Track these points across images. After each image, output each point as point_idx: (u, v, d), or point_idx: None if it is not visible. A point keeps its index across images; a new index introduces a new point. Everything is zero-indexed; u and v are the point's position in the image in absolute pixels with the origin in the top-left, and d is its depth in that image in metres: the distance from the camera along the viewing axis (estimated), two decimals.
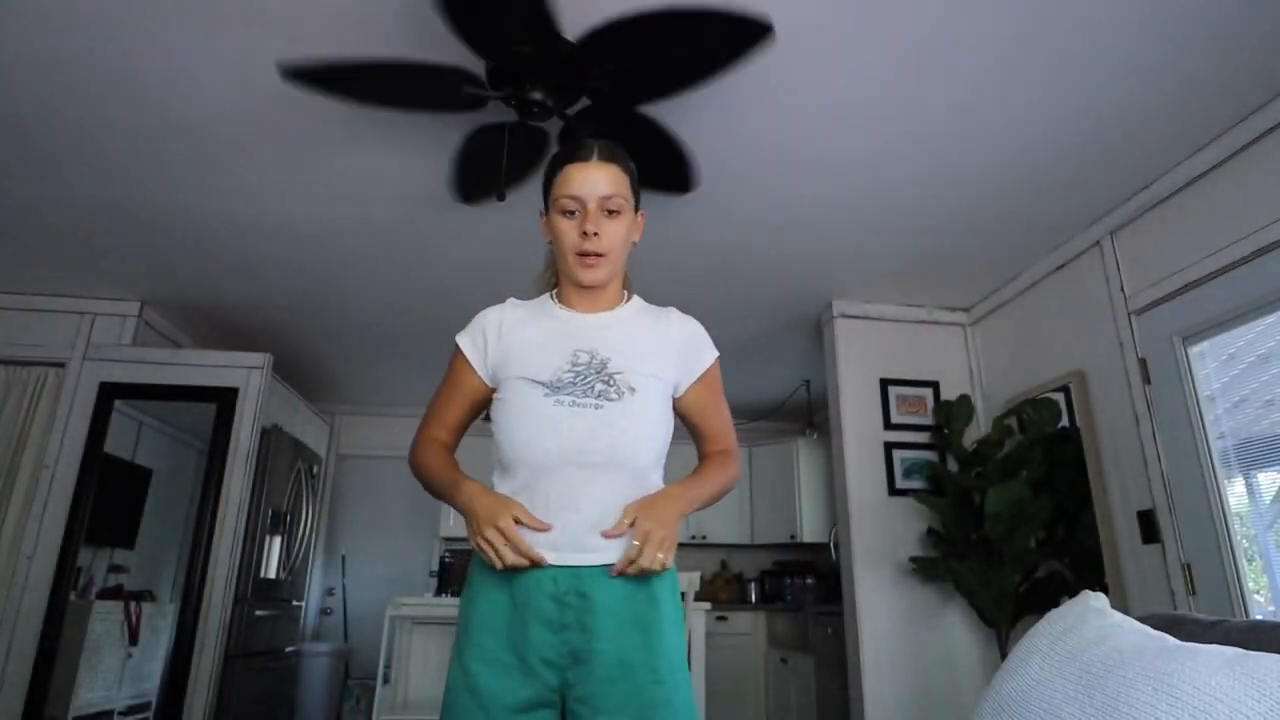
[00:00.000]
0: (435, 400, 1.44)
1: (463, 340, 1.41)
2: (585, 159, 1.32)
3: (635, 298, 1.48)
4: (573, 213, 1.33)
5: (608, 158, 1.34)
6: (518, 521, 1.21)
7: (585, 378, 1.29)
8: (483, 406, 1.43)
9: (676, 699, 1.19)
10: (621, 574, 1.20)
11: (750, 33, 2.01)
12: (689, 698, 1.22)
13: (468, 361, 1.39)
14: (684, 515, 1.29)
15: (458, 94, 2.15)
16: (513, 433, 1.29)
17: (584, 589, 1.20)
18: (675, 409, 1.43)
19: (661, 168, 2.59)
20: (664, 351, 1.39)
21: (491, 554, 1.18)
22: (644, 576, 1.23)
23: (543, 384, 1.29)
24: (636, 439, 1.28)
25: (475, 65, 2.13)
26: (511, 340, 1.37)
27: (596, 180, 1.31)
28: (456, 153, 2.58)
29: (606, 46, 2.05)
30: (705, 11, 1.95)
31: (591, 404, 1.27)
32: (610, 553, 1.22)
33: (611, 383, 1.29)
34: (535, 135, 2.43)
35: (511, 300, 1.45)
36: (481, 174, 2.66)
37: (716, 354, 1.46)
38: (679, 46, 2.08)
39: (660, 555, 1.19)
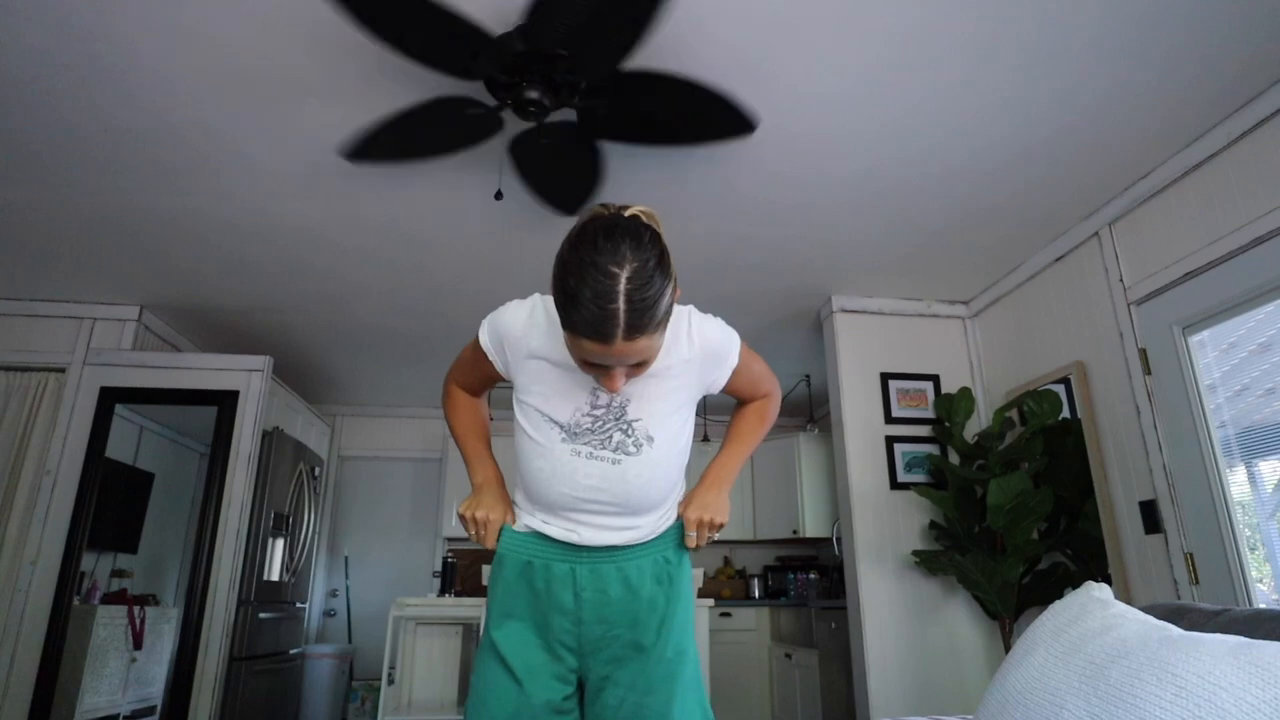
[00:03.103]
0: (460, 363, 1.47)
1: (484, 338, 1.34)
2: (608, 341, 1.06)
3: None
4: (593, 363, 1.16)
5: (637, 332, 1.07)
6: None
7: (604, 424, 1.27)
8: (499, 381, 1.46)
9: (684, 673, 1.29)
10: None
11: (736, 123, 2.26)
12: (696, 672, 1.32)
13: (486, 355, 1.35)
14: (729, 490, 1.44)
15: (467, 59, 2.12)
16: (531, 470, 1.33)
17: (603, 585, 1.28)
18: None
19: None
20: (686, 377, 1.32)
21: (471, 531, 1.34)
22: (667, 566, 1.34)
23: (560, 425, 1.27)
24: (651, 488, 1.31)
25: (473, 90, 2.14)
26: (530, 367, 1.30)
27: (624, 355, 1.10)
28: (397, 111, 2.40)
29: (631, 87, 2.15)
30: (713, 92, 2.18)
31: (609, 457, 1.26)
32: (630, 534, 1.32)
33: (630, 433, 1.27)
34: (491, 121, 2.37)
35: (535, 299, 1.31)
36: (393, 141, 2.49)
37: (738, 344, 1.36)
38: (675, 110, 2.26)
39: (709, 539, 1.38)
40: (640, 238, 1.08)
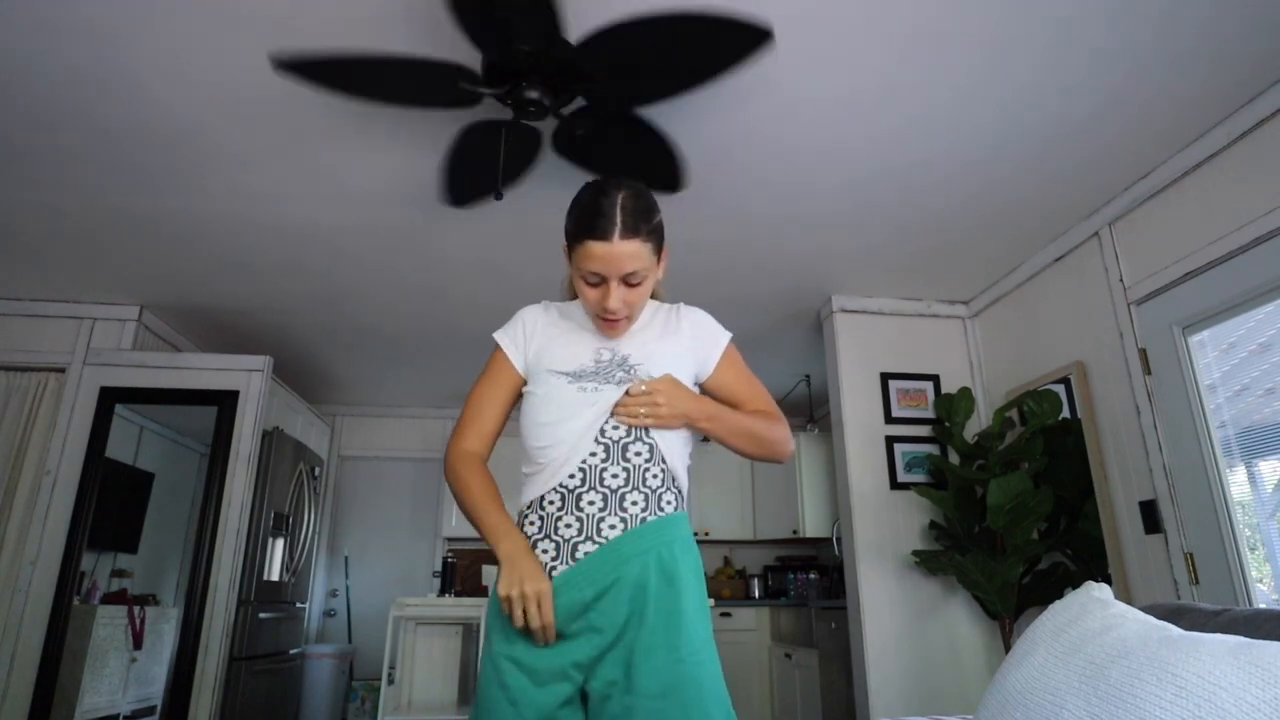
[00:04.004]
0: (474, 399, 1.45)
1: (502, 336, 1.47)
2: (607, 238, 1.28)
3: (649, 301, 1.51)
4: (594, 283, 1.33)
5: (630, 232, 1.29)
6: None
7: (608, 368, 1.38)
8: (516, 400, 1.48)
9: (702, 676, 1.23)
10: (624, 415, 1.33)
11: (750, 38, 2.05)
12: (715, 676, 1.26)
13: (506, 356, 1.45)
14: (699, 416, 1.37)
15: (453, 90, 2.15)
16: (538, 417, 1.36)
17: (605, 588, 1.25)
18: (705, 393, 1.48)
19: (652, 167, 2.60)
20: (678, 347, 1.45)
21: (518, 612, 1.22)
22: (671, 563, 1.28)
23: (567, 374, 1.38)
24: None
25: (471, 61, 2.12)
26: (544, 337, 1.44)
27: (619, 259, 1.29)
28: (446, 154, 2.58)
29: (607, 49, 2.07)
30: (707, 16, 1.98)
31: (613, 386, 1.35)
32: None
33: (632, 373, 1.37)
34: (528, 134, 2.43)
35: (546, 302, 1.52)
36: (472, 175, 2.64)
37: (729, 335, 1.51)
38: (679, 51, 2.11)
39: (643, 411, 1.32)
40: (633, 182, 1.36)
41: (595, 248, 1.28)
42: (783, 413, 1.51)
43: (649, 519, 1.30)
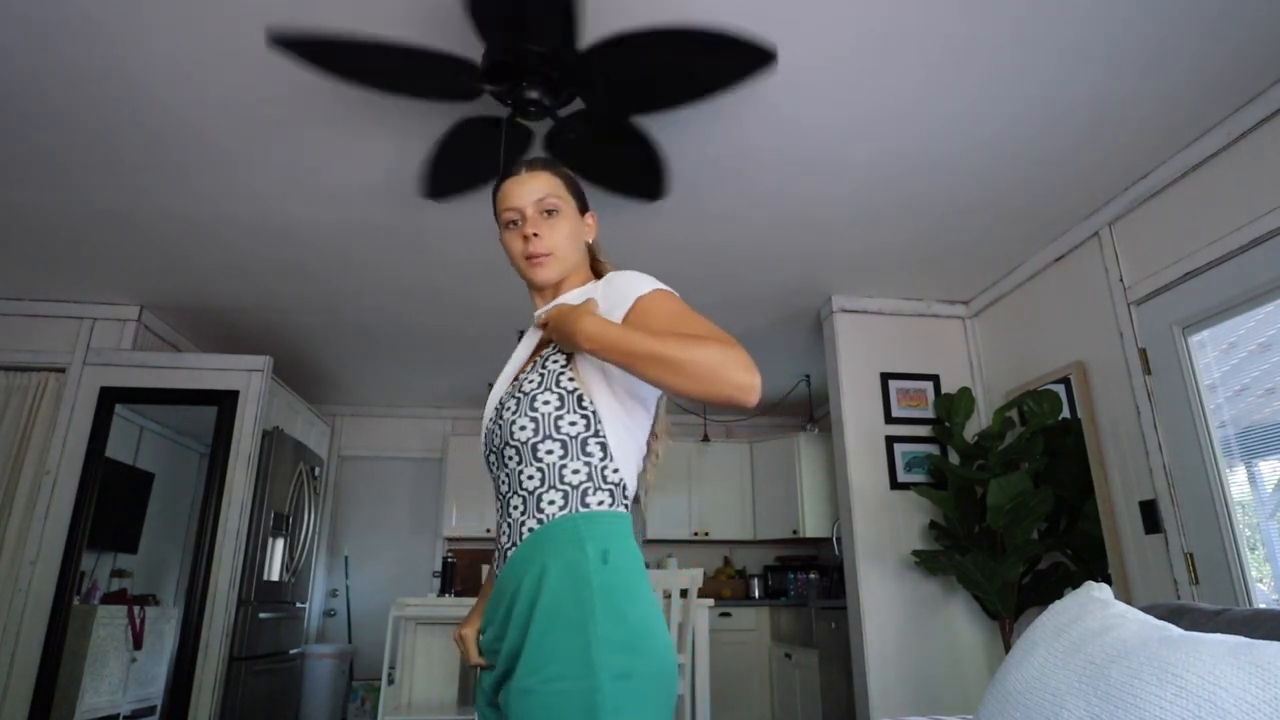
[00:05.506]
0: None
1: None
2: (516, 173, 1.39)
3: (591, 281, 1.39)
4: (515, 223, 1.38)
5: (538, 167, 1.40)
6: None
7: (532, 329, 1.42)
8: None
9: (562, 706, 1.02)
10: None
11: (754, 58, 2.10)
12: (580, 708, 1.01)
13: None
14: (582, 339, 1.15)
15: (452, 83, 2.14)
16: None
17: (501, 628, 1.17)
18: None
19: (639, 173, 2.62)
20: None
21: (459, 649, 1.37)
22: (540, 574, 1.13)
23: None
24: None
25: (473, 56, 2.11)
26: None
27: (529, 188, 1.36)
28: (433, 147, 2.55)
29: (613, 57, 2.09)
30: (713, 34, 2.02)
31: (533, 335, 1.40)
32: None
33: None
34: (520, 133, 2.41)
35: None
36: (455, 170, 2.61)
37: (652, 286, 1.24)
38: (683, 65, 2.15)
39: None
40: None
41: (506, 185, 1.38)
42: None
43: (525, 533, 1.17)
